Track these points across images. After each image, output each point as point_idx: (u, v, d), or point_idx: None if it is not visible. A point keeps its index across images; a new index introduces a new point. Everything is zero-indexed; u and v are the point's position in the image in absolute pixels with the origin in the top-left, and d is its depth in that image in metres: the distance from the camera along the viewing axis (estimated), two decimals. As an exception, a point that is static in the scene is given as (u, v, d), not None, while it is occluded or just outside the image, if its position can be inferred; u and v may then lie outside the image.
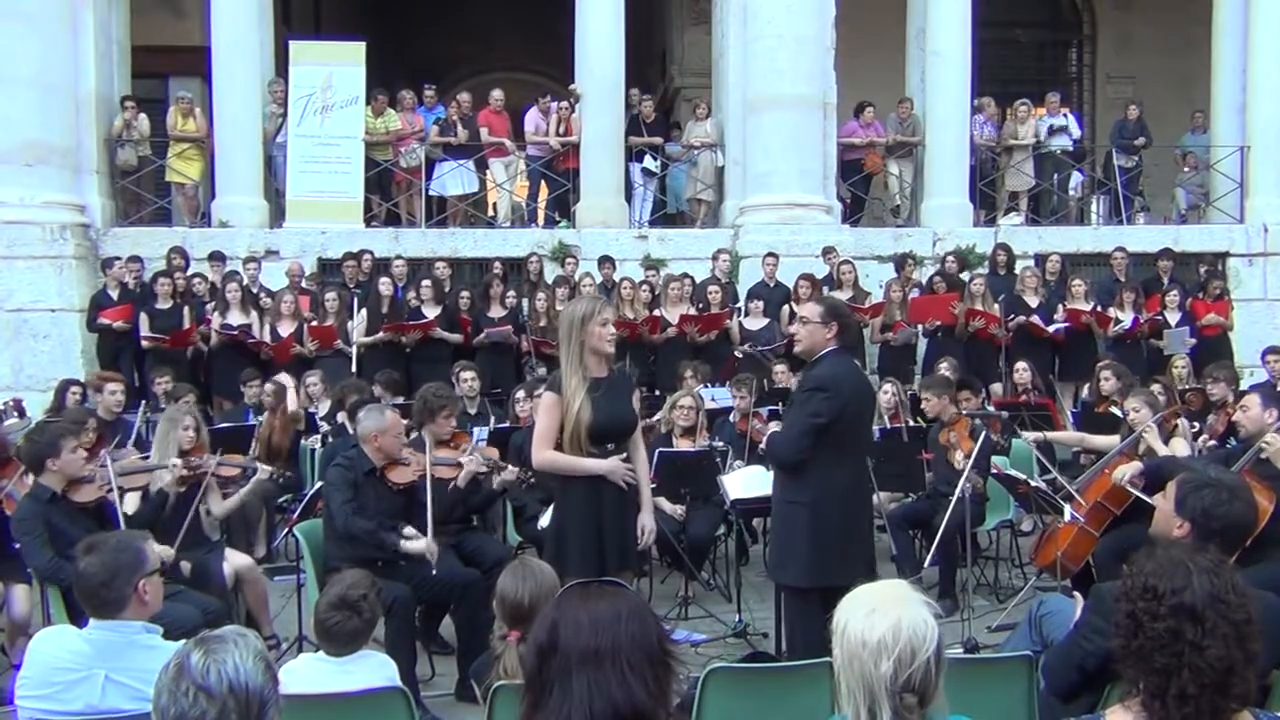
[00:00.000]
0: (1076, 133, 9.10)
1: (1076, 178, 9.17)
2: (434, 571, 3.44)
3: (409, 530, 3.51)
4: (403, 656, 2.93)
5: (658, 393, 6.73)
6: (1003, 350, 7.15)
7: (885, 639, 1.34)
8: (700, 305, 7.44)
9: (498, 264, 7.85)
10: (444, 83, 11.40)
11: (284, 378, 6.00)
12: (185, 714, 1.22)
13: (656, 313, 7.27)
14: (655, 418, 5.42)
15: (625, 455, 2.97)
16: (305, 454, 5.50)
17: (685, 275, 7.58)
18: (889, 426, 5.46)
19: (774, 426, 3.58)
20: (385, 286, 7.14)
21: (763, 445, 3.54)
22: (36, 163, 7.37)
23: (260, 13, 8.16)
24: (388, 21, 12.87)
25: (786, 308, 7.30)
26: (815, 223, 8.37)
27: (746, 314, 7.55)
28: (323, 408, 5.76)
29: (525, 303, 7.33)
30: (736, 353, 7.23)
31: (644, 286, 7.45)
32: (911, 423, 5.50)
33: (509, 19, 13.29)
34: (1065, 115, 9.07)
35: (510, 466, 4.10)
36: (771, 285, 7.75)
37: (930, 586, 4.24)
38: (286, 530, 3.93)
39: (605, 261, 7.92)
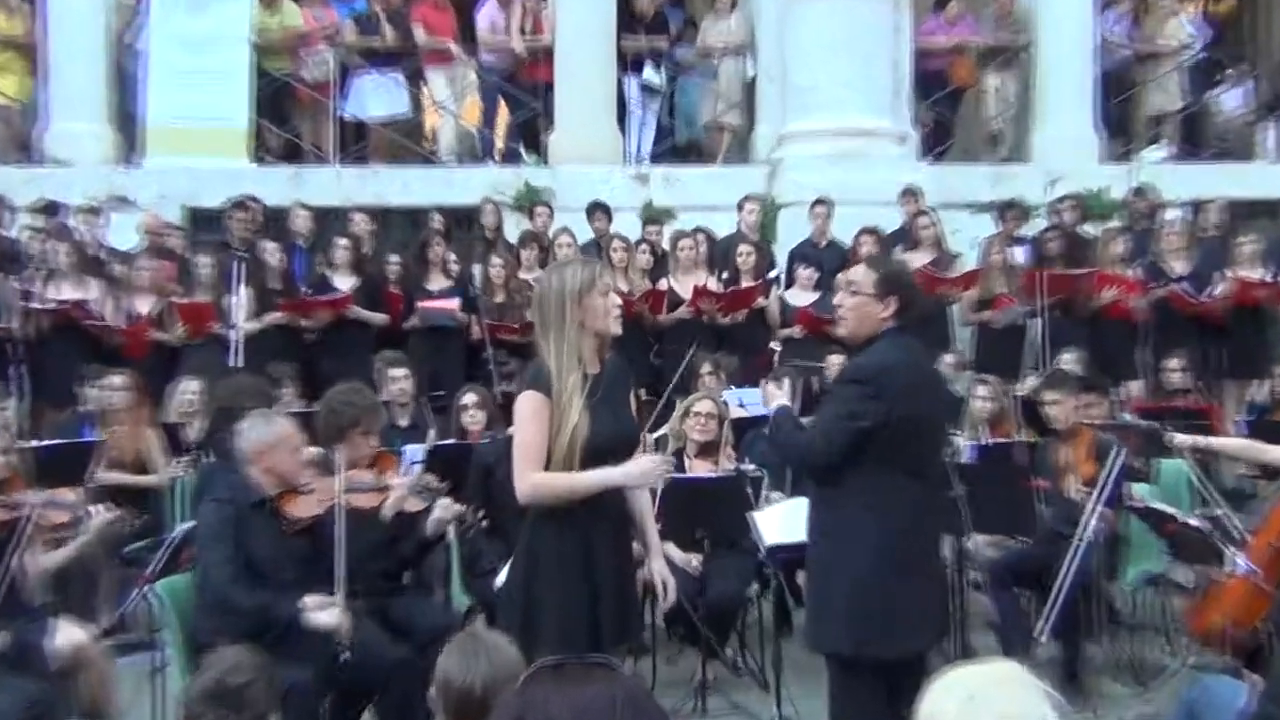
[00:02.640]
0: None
1: (1237, 96, 9.30)
2: (346, 653, 3.47)
3: (311, 599, 3.50)
4: (304, 768, 2.91)
5: (664, 397, 6.72)
6: (1143, 334, 7.20)
7: None
8: (723, 274, 7.46)
9: (438, 216, 7.94)
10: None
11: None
12: None
13: (661, 284, 7.33)
14: (660, 432, 5.55)
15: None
16: (167, 487, 5.44)
17: (700, 231, 7.64)
18: (988, 442, 5.49)
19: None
20: (278, 250, 7.20)
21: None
22: None
23: None
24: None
25: (843, 277, 7.36)
26: (883, 157, 8.37)
27: (789, 285, 7.59)
28: (194, 428, 5.65)
29: (477, 270, 7.38)
30: (773, 344, 7.26)
31: (643, 248, 7.49)
32: (1022, 437, 5.52)
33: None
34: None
35: (453, 502, 4.14)
36: (822, 245, 7.75)
37: (1046, 664, 4.31)
38: (140, 590, 3.95)
39: (594, 211, 7.94)
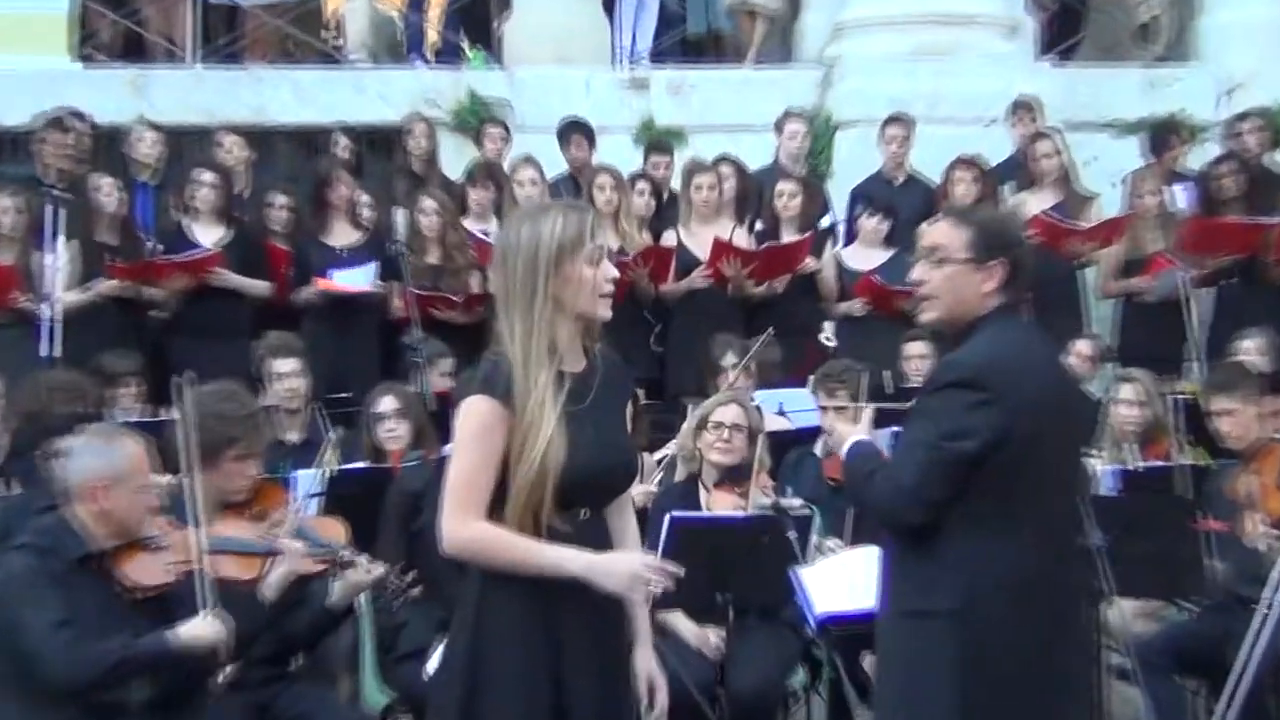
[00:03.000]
0: None
1: None
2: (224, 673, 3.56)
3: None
4: None
5: (669, 400, 6.66)
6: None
7: None
8: (755, 223, 7.42)
9: (344, 139, 7.92)
10: None
11: None
12: None
13: (668, 239, 7.33)
14: (665, 451, 5.56)
15: (598, 523, 3.08)
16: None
17: (724, 162, 7.60)
18: (1136, 466, 5.49)
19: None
20: (114, 188, 7.10)
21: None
22: None
23: None
24: None
25: (926, 235, 7.36)
26: (985, 55, 8.41)
27: (849, 240, 7.56)
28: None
29: (400, 217, 7.34)
30: (824, 336, 7.24)
31: (641, 187, 7.47)
32: (1186, 459, 5.51)
33: None
34: None
35: (369, 561, 4.18)
36: (898, 182, 7.73)
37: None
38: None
39: (570, 134, 7.92)
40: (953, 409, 3.09)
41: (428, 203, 7.19)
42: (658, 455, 5.61)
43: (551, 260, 2.93)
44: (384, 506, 4.84)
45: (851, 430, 3.39)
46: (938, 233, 3.28)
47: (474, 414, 2.93)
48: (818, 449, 5.58)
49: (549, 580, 2.91)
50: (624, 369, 3.21)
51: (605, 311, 3.01)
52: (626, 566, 2.93)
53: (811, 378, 6.02)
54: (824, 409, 4.96)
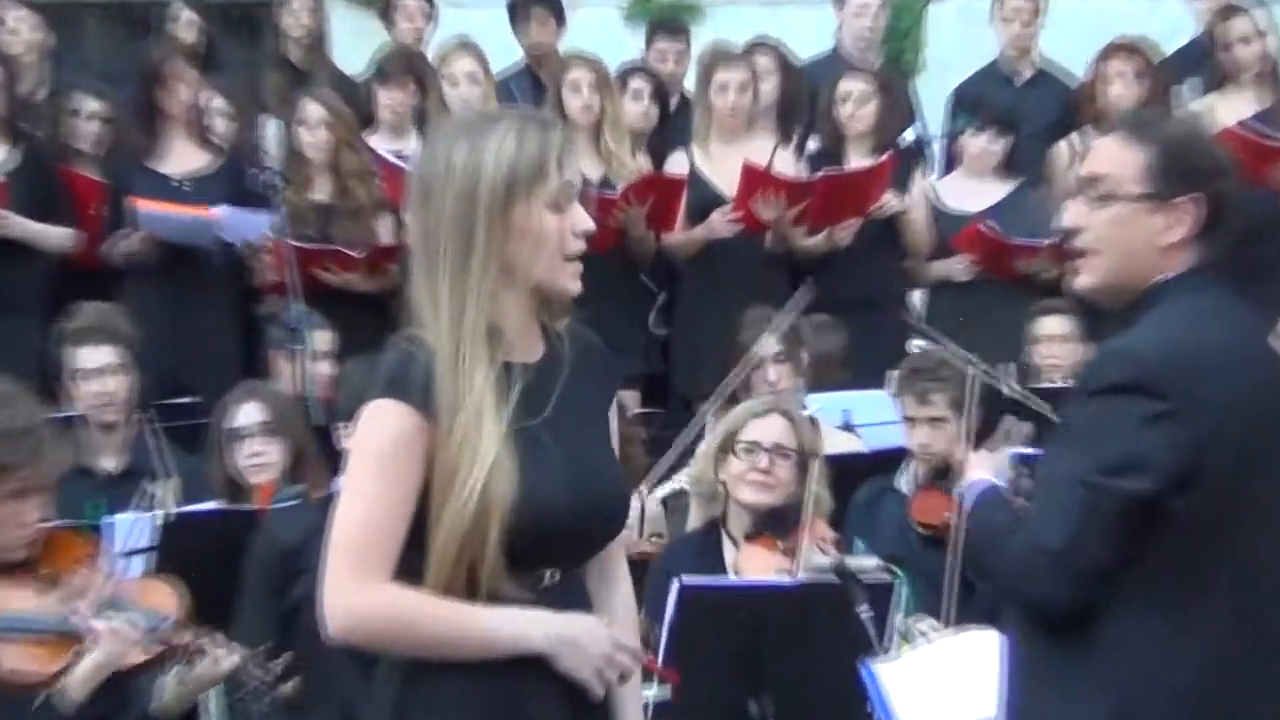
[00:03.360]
0: None
1: None
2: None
3: None
4: None
5: (676, 408, 6.81)
6: None
7: None
8: (806, 141, 7.52)
9: (186, 13, 8.06)
10: None
11: None
12: None
13: (674, 164, 7.49)
14: (671, 485, 5.71)
15: (572, 590, 3.16)
16: None
17: (762, 49, 7.78)
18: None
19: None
20: None
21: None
22: None
23: None
24: None
25: (1063, 147, 7.40)
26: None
27: (948, 168, 7.71)
28: None
29: (271, 129, 7.54)
30: (914, 345, 7.06)
31: (637, 87, 7.62)
32: None
33: None
34: None
35: (220, 645, 4.33)
36: (1022, 77, 7.83)
37: None
38: None
39: (529, 7, 7.98)
40: (1117, 426, 3.09)
41: (313, 109, 7.24)
42: (660, 492, 5.70)
43: (497, 202, 2.97)
44: (245, 566, 4.96)
45: (978, 465, 3.46)
46: (1099, 155, 3.33)
47: (377, 426, 3.00)
48: (903, 482, 5.62)
49: (497, 663, 2.98)
50: (604, 358, 3.27)
51: (571, 282, 3.07)
52: (599, 645, 3.00)
53: (893, 375, 6.04)
54: (912, 421, 5.29)
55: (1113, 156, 3.25)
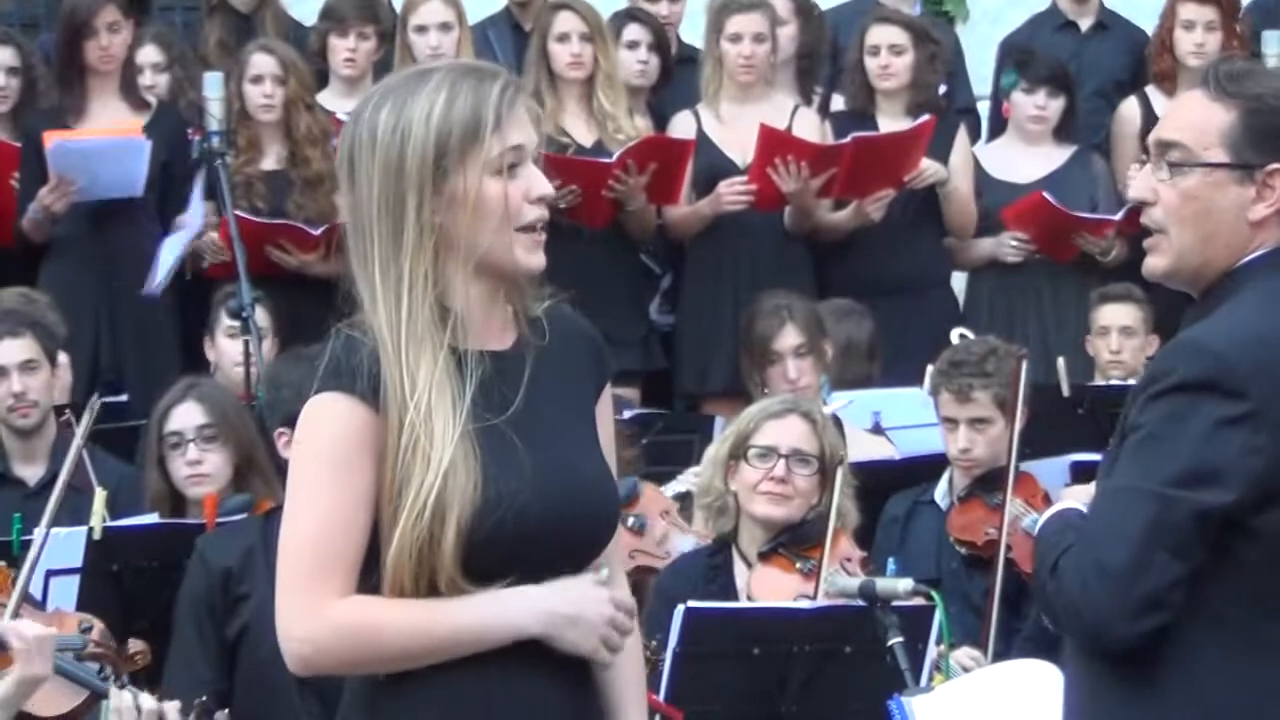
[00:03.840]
0: None
1: None
2: None
3: None
4: None
5: (681, 406, 7.06)
6: None
7: None
8: (830, 98, 7.64)
9: None
10: None
11: None
12: None
13: (678, 125, 7.53)
14: (676, 486, 5.80)
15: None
16: None
17: None
18: None
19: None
20: None
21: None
22: None
23: None
24: None
25: (1131, 106, 7.47)
26: None
27: (996, 131, 7.86)
28: None
29: (211, 88, 7.36)
30: (956, 334, 7.02)
31: (636, 34, 7.68)
32: None
33: None
34: None
35: (137, 693, 4.41)
36: (1083, 25, 7.89)
37: None
38: None
39: None
40: (1188, 430, 3.07)
41: (261, 61, 7.19)
42: (667, 491, 5.78)
43: (427, 170, 3.02)
44: (181, 593, 5.08)
45: (1072, 499, 3.37)
46: (1175, 116, 3.40)
47: (323, 423, 3.04)
48: (939, 493, 5.68)
49: (471, 690, 3.04)
50: (592, 345, 3.32)
51: (527, 256, 3.09)
52: (598, 610, 3.07)
53: (931, 369, 6.08)
54: (951, 422, 5.39)
55: (1191, 118, 3.25)
